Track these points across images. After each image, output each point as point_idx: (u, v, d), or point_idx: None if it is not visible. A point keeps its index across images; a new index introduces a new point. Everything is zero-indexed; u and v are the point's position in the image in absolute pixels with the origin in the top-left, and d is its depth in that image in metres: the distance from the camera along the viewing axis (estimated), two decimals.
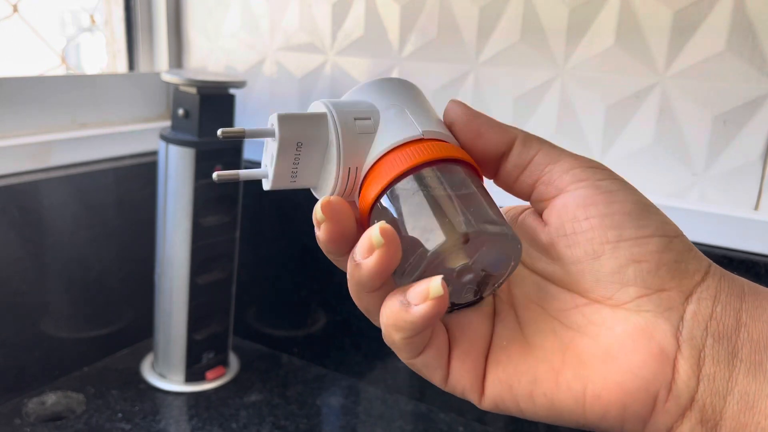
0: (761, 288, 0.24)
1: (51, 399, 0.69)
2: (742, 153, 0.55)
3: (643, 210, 0.24)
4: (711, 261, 0.24)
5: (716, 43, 0.54)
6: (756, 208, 0.56)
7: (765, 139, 0.54)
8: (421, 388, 0.73)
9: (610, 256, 0.23)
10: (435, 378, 0.26)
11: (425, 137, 0.25)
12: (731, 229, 0.55)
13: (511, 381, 0.25)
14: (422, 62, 0.68)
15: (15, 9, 0.73)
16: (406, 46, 0.69)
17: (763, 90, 0.53)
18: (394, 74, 0.70)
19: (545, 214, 0.26)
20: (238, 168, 0.71)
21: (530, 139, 0.26)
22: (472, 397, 0.25)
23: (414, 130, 0.25)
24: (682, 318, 0.23)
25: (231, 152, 0.69)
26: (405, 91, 0.27)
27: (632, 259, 0.23)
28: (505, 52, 0.64)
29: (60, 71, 0.80)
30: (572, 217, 0.24)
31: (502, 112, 0.65)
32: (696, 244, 0.55)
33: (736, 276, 0.24)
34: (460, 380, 0.25)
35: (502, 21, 0.63)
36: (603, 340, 0.23)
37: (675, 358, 0.22)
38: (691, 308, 0.23)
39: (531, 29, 0.62)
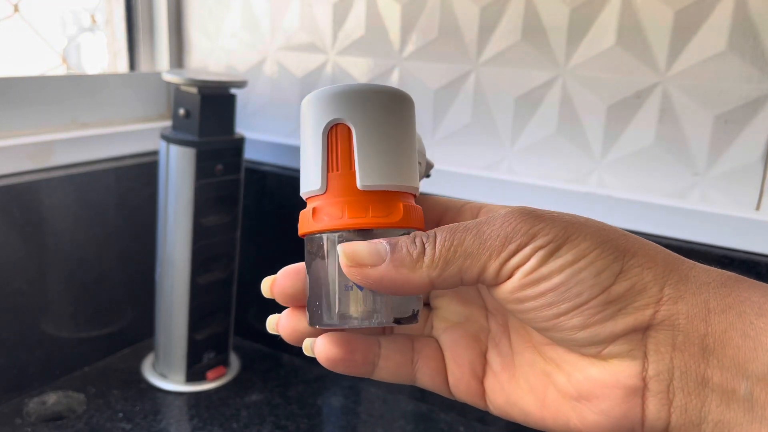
0: (732, 301, 0.22)
1: (52, 399, 0.69)
2: (743, 153, 0.55)
3: (571, 276, 0.23)
4: (666, 281, 0.23)
5: (717, 43, 0.54)
6: (757, 208, 0.56)
7: (766, 139, 0.54)
8: (422, 388, 0.73)
9: (555, 330, 0.23)
10: (446, 395, 0.28)
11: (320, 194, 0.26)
12: (732, 230, 0.55)
13: (505, 409, 0.27)
14: (423, 62, 0.68)
15: (16, 9, 0.73)
16: (406, 45, 0.69)
17: (764, 90, 0.53)
18: (395, 75, 0.70)
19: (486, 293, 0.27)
20: (239, 167, 0.71)
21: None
22: (482, 408, 0.28)
23: (316, 183, 0.26)
24: (645, 355, 0.23)
25: (232, 152, 0.69)
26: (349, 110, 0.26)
27: (576, 327, 0.23)
28: (506, 52, 0.64)
29: (61, 71, 0.80)
30: (508, 301, 0.24)
31: (503, 113, 0.65)
32: (697, 244, 0.55)
33: (702, 290, 0.23)
34: (463, 398, 0.28)
35: (503, 21, 0.63)
36: (575, 380, 0.24)
37: (643, 396, 0.23)
38: (651, 343, 0.23)
39: (532, 29, 0.62)
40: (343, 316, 0.25)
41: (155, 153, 0.77)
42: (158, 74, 0.83)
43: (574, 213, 0.25)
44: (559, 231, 0.23)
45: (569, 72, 0.61)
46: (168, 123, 0.79)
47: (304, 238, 0.27)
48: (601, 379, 0.23)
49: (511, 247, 0.23)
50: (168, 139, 0.67)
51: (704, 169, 0.57)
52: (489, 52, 0.64)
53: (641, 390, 0.23)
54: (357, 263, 0.24)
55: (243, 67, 0.81)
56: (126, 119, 0.80)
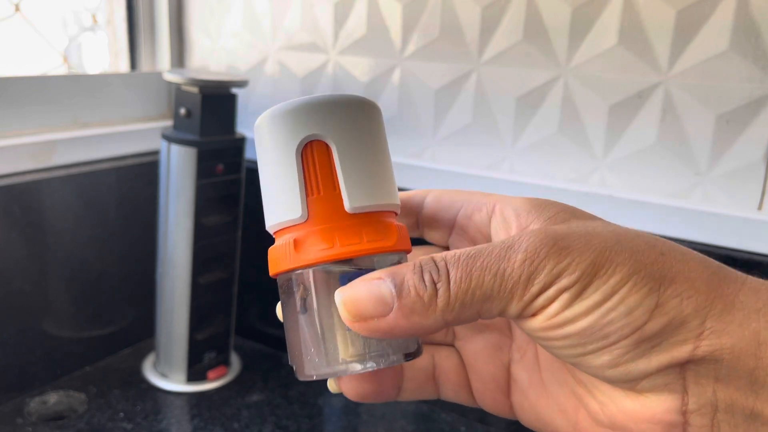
0: None
1: (53, 398, 0.69)
2: (745, 153, 0.55)
3: (599, 318, 0.20)
4: (708, 311, 0.20)
5: (719, 43, 0.54)
6: (759, 208, 0.56)
7: None
8: None
9: (582, 366, 0.22)
10: (475, 407, 0.27)
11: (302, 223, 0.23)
12: (734, 230, 0.54)
13: (536, 426, 0.25)
14: (424, 62, 0.68)
15: (17, 8, 0.73)
16: (408, 45, 0.69)
17: (766, 90, 0.53)
18: (396, 74, 0.70)
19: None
20: (240, 167, 0.71)
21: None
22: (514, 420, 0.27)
23: (295, 212, 0.22)
24: (684, 389, 0.21)
25: (233, 152, 0.69)
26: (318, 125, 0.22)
27: (605, 366, 0.21)
28: (508, 52, 0.63)
29: (62, 71, 0.80)
30: (532, 336, 0.23)
31: (504, 112, 0.65)
32: (699, 244, 0.55)
33: (751, 319, 0.20)
34: (491, 411, 0.27)
35: (505, 20, 0.63)
36: (609, 411, 0.23)
37: (684, 431, 0.21)
38: (691, 376, 0.21)
39: (533, 29, 0.62)
40: (348, 362, 0.22)
41: (156, 153, 0.77)
42: (159, 74, 0.83)
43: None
44: (586, 267, 0.21)
45: (571, 72, 0.61)
46: (169, 122, 0.79)
47: (281, 276, 0.23)
48: (636, 413, 0.21)
49: (534, 289, 0.21)
50: (169, 138, 0.67)
51: (706, 169, 0.57)
52: (490, 52, 0.64)
53: (681, 425, 0.21)
54: (361, 317, 0.21)
55: (244, 66, 0.81)
56: (127, 119, 0.80)
